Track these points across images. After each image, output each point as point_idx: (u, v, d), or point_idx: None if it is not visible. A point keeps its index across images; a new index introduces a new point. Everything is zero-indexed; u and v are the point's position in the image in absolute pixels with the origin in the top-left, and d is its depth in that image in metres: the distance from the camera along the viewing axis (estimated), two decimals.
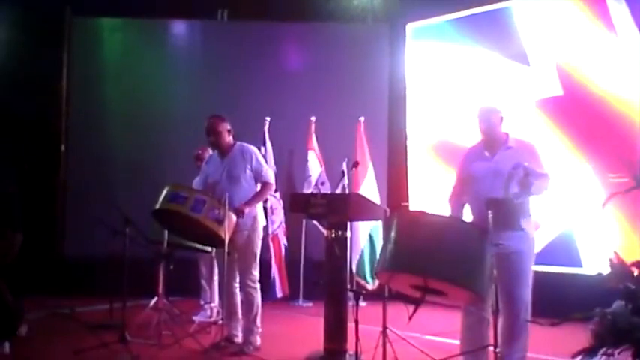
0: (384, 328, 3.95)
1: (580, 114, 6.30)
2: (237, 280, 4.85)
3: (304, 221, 7.08)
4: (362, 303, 3.90)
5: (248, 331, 4.81)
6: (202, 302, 6.08)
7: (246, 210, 4.67)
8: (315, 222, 6.99)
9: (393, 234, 3.48)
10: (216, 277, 5.78)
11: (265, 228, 5.45)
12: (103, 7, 7.79)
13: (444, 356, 3.86)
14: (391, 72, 7.88)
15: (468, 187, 3.92)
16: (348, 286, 4.66)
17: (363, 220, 6.20)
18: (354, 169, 4.97)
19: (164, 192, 4.53)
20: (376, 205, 5.03)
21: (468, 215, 3.98)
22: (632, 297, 2.38)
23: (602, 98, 6.12)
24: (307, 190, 7.03)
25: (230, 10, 8.05)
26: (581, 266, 6.10)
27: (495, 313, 3.51)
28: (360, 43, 7.81)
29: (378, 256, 3.92)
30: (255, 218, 4.84)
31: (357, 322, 3.82)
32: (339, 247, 4.50)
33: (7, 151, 6.58)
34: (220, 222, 4.41)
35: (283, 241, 7.31)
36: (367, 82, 7.70)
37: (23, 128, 7.36)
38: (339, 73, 7.63)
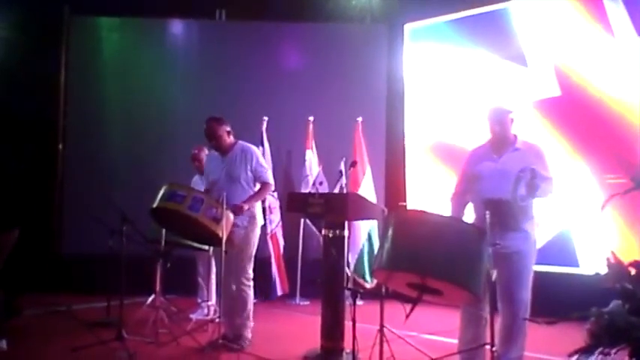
0: (381, 326, 3.94)
1: (578, 115, 6.32)
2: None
3: (302, 220, 7.10)
4: (359, 302, 3.89)
5: (242, 327, 4.81)
6: (199, 300, 6.07)
7: (245, 207, 4.67)
8: (309, 223, 7.06)
9: (390, 233, 3.46)
10: (213, 276, 5.79)
11: (264, 227, 5.45)
12: (102, 6, 7.78)
13: (440, 355, 3.85)
14: (389, 72, 7.90)
15: (472, 186, 3.90)
16: (345, 285, 4.66)
17: (360, 219, 6.21)
18: (351, 168, 4.97)
19: (162, 190, 4.52)
20: (374, 204, 5.04)
21: (470, 214, 3.97)
22: (629, 297, 2.38)
23: (600, 99, 6.14)
24: (305, 190, 7.04)
25: (228, 9, 8.07)
26: (578, 266, 6.12)
27: (492, 312, 3.51)
28: (358, 43, 7.83)
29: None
30: (253, 217, 4.84)
31: (354, 320, 3.84)
32: (336, 246, 4.51)
33: (6, 149, 6.57)
34: (218, 221, 4.40)
35: (281, 240, 7.32)
36: (365, 83, 7.71)
37: (21, 126, 7.35)
38: (337, 74, 7.65)
